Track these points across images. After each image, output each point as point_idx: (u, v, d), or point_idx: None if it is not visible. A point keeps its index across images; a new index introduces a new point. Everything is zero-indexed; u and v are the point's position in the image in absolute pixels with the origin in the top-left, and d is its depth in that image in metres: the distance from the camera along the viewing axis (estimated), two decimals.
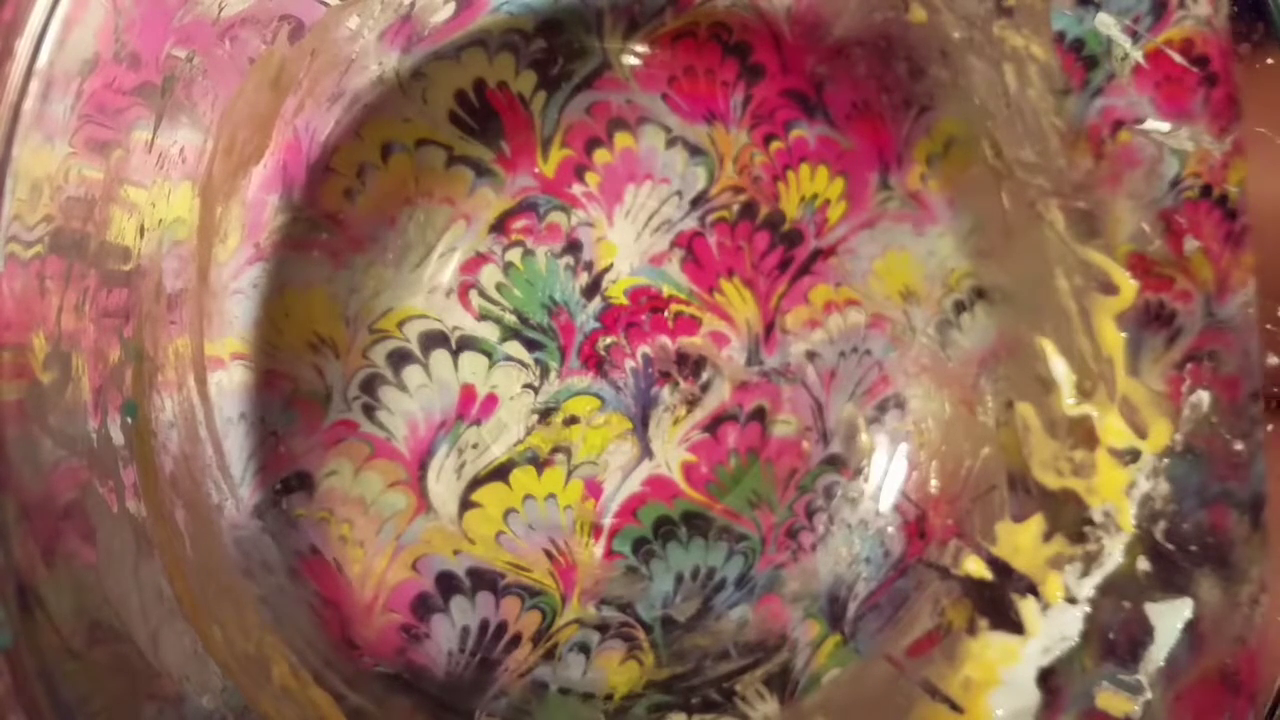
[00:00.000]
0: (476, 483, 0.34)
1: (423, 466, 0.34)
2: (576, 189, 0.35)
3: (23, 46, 0.22)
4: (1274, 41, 0.26)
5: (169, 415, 0.30)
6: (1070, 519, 0.31)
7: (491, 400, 0.34)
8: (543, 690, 0.34)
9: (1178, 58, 0.27)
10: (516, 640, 0.34)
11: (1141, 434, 0.30)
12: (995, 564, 0.33)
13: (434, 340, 0.34)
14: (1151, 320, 0.29)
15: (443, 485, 0.34)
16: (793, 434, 0.36)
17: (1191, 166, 0.28)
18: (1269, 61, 0.26)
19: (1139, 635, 0.28)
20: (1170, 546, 0.28)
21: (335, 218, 0.34)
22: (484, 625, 0.34)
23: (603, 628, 0.35)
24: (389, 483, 0.34)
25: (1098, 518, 0.30)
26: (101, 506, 0.25)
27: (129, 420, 0.27)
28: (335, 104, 0.34)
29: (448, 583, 0.34)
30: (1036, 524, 0.32)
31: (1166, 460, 0.29)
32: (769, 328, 0.36)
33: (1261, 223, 0.26)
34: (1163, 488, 0.29)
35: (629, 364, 0.35)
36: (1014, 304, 0.35)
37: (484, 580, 0.34)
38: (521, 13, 0.35)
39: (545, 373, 0.35)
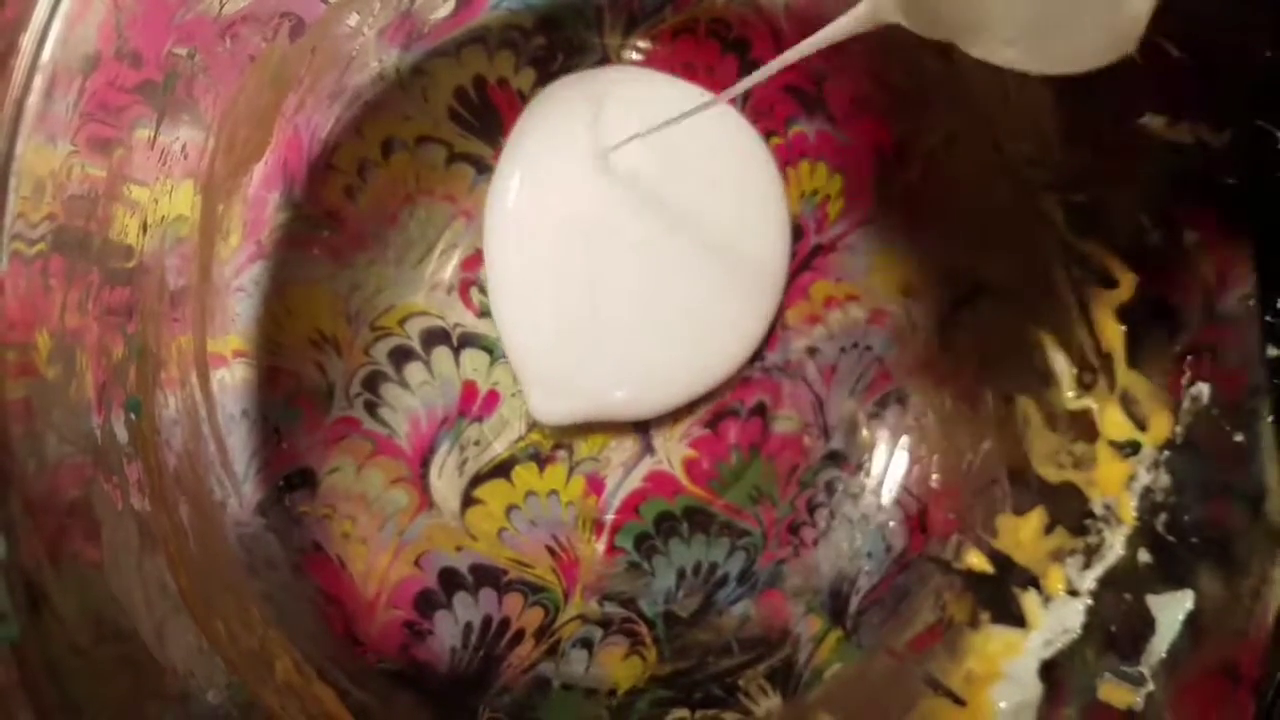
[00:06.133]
0: (478, 479, 0.34)
1: (425, 463, 0.34)
2: None
3: (26, 43, 0.23)
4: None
5: (172, 412, 0.30)
6: (1071, 512, 0.31)
7: (493, 397, 0.34)
8: (546, 686, 0.34)
9: (1175, 53, 0.27)
10: (519, 636, 0.34)
11: (1142, 426, 0.30)
12: (996, 557, 0.33)
13: (435, 337, 0.34)
14: (1151, 313, 0.29)
15: (445, 482, 0.34)
16: (794, 429, 0.36)
17: (1191, 160, 0.28)
18: (1268, 54, 0.26)
19: (1140, 627, 0.28)
20: (1171, 539, 0.28)
21: (336, 215, 0.34)
22: (487, 621, 0.34)
23: (605, 623, 0.35)
24: (391, 479, 0.34)
25: (1098, 510, 0.30)
26: (106, 503, 0.25)
27: (133, 417, 0.27)
28: (336, 101, 0.34)
29: (450, 579, 0.34)
30: (1037, 517, 0.32)
31: (1167, 453, 0.29)
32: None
33: None
34: (1163, 480, 0.29)
35: None
36: (1014, 298, 0.35)
37: (487, 576, 0.34)
38: (521, 9, 0.35)
39: None
